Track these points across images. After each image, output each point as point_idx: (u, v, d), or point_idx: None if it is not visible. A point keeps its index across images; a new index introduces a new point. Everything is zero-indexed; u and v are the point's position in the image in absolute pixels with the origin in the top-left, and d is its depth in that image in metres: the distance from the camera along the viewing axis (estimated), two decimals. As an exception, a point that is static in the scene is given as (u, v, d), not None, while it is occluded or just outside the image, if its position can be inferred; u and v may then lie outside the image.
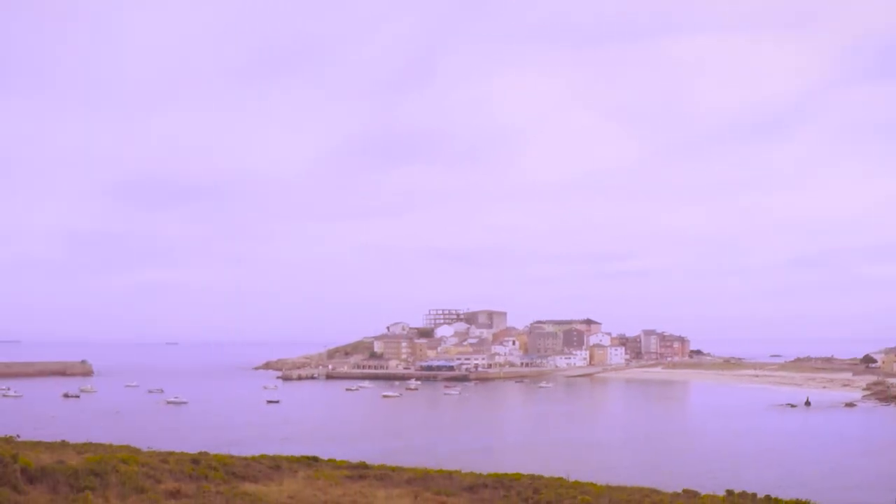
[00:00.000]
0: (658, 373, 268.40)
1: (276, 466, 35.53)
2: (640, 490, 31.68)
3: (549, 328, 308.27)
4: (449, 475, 36.09)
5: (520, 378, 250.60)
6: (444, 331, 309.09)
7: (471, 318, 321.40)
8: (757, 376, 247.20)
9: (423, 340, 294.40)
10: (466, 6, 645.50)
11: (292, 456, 38.69)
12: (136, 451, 36.98)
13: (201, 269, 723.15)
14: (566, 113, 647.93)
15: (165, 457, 34.28)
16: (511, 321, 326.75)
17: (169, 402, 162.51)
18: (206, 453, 35.44)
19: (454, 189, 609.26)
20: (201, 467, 31.81)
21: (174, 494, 24.96)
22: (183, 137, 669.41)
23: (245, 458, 36.64)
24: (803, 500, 32.94)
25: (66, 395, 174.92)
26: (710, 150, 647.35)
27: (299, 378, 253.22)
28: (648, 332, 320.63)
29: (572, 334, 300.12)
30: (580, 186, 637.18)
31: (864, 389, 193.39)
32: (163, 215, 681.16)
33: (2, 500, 20.01)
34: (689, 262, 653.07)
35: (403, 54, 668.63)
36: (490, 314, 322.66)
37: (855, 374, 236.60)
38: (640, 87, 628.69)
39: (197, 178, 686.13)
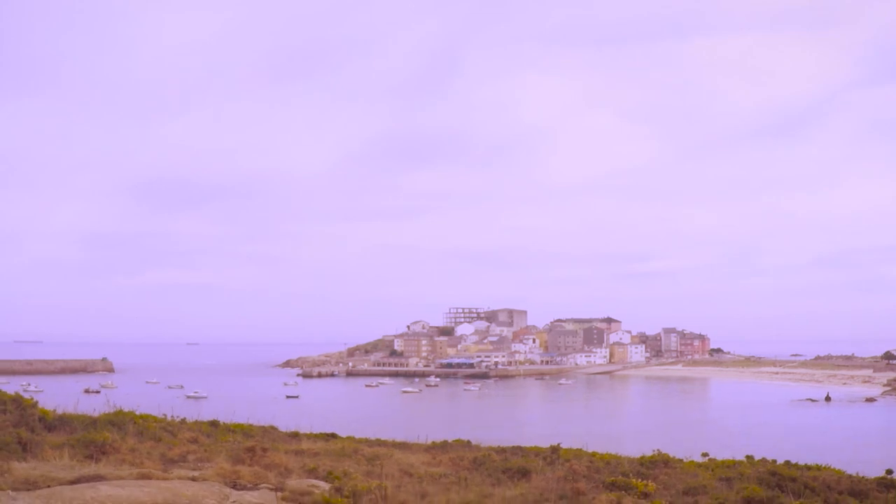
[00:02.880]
0: (678, 370, 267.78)
1: (294, 435, 35.69)
2: (661, 455, 31.58)
3: (570, 326, 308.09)
4: (467, 443, 36.19)
5: (540, 375, 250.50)
6: (464, 329, 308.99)
7: (491, 317, 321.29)
8: (777, 373, 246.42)
9: (443, 338, 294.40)
10: (488, 8, 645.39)
11: (310, 433, 38.85)
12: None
13: (222, 269, 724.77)
14: (587, 114, 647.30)
15: (183, 421, 34.43)
16: (531, 320, 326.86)
17: (189, 397, 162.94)
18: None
19: (476, 190, 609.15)
20: (219, 430, 31.95)
21: (192, 442, 25.07)
22: (204, 138, 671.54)
23: (263, 427, 36.74)
24: (824, 465, 32.90)
25: (86, 391, 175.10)
26: (732, 151, 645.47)
27: (319, 375, 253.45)
28: (668, 331, 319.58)
29: (592, 332, 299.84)
30: (601, 187, 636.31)
31: (884, 385, 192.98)
32: (183, 216, 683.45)
33: (21, 437, 20.15)
34: (709, 262, 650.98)
35: (426, 56, 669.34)
36: (510, 312, 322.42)
37: (875, 370, 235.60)
38: (661, 88, 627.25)
39: (218, 179, 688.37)
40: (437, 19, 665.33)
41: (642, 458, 27.60)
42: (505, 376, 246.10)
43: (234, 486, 17.30)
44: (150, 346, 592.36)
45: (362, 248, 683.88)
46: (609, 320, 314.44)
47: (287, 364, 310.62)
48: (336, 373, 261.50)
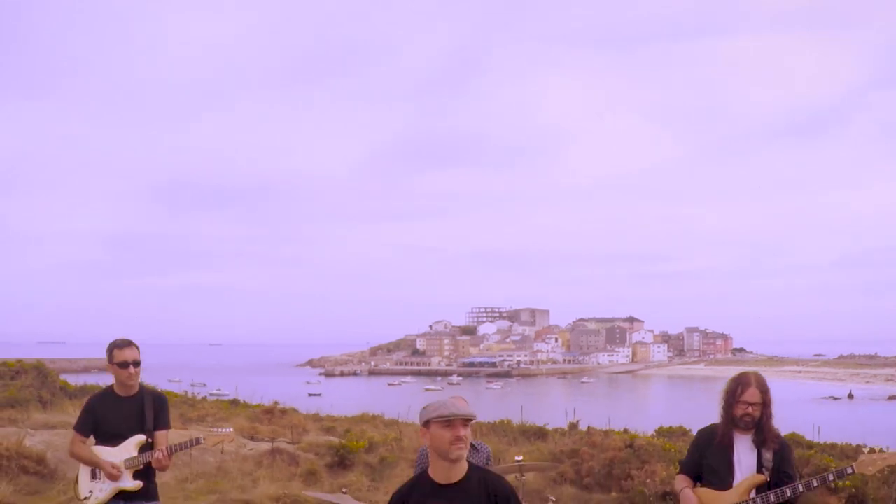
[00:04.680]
0: (701, 370, 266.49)
1: (316, 413, 36.11)
2: (680, 428, 31.59)
3: (592, 326, 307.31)
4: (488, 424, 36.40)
5: (562, 374, 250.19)
6: (486, 328, 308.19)
7: (513, 316, 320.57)
8: (800, 372, 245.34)
9: (465, 338, 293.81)
10: (508, 9, 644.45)
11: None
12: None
13: (243, 270, 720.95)
14: (608, 114, 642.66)
15: (204, 399, 34.78)
16: (553, 319, 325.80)
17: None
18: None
19: (497, 191, 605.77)
20: (239, 406, 32.30)
21: (213, 408, 25.40)
22: (223, 139, 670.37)
23: (283, 408, 37.04)
24: (839, 443, 32.84)
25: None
26: (754, 150, 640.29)
27: (342, 374, 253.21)
28: (691, 330, 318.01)
29: (615, 332, 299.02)
30: (622, 187, 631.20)
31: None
32: (204, 217, 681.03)
33: (42, 397, 20.44)
34: (731, 262, 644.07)
35: (444, 58, 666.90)
36: (532, 312, 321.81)
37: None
38: (681, 88, 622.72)
39: (238, 181, 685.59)
40: (455, 21, 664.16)
41: (660, 428, 27.65)
42: (527, 375, 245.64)
43: (251, 439, 17.54)
44: (172, 346, 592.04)
45: (385, 249, 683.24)
46: (631, 319, 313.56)
47: (309, 363, 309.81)
48: (358, 372, 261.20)
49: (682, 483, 6.74)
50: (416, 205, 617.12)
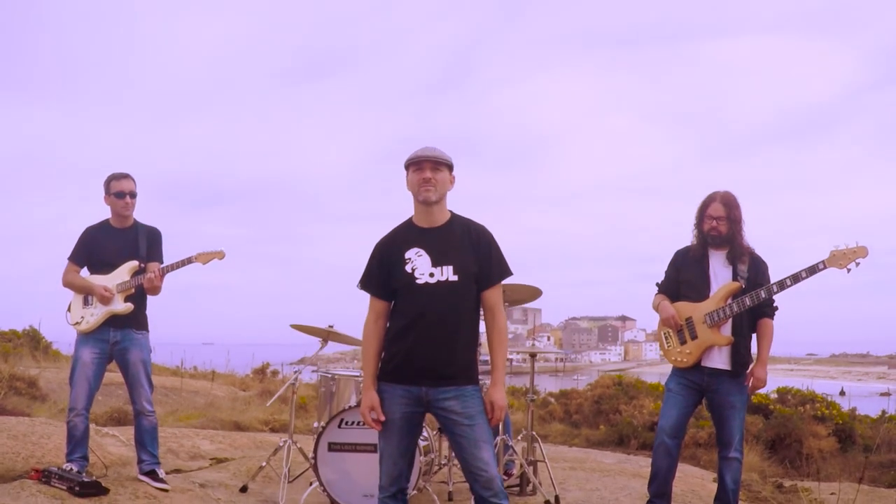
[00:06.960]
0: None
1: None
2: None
3: (585, 324, 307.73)
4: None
5: (554, 372, 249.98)
6: (479, 326, 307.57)
7: (506, 314, 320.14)
8: (792, 370, 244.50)
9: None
10: (505, 11, 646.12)
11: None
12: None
13: (241, 270, 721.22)
14: (603, 115, 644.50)
15: (195, 368, 34.92)
16: (546, 318, 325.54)
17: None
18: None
19: (492, 192, 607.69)
20: (231, 375, 32.37)
21: (204, 374, 25.47)
22: (224, 140, 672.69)
23: (276, 370, 37.28)
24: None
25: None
26: (750, 152, 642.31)
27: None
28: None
29: (607, 330, 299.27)
30: (619, 189, 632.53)
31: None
32: (202, 216, 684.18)
33: (35, 355, 20.53)
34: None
35: (441, 59, 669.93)
36: (525, 310, 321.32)
37: (890, 367, 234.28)
38: (678, 90, 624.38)
39: (237, 180, 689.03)
40: (453, 22, 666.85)
41: (656, 405, 27.72)
42: (519, 373, 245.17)
43: (243, 391, 17.66)
44: (166, 345, 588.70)
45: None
46: (624, 318, 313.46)
47: (301, 361, 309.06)
48: (351, 369, 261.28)
49: (660, 299, 7.00)
50: (412, 205, 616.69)
